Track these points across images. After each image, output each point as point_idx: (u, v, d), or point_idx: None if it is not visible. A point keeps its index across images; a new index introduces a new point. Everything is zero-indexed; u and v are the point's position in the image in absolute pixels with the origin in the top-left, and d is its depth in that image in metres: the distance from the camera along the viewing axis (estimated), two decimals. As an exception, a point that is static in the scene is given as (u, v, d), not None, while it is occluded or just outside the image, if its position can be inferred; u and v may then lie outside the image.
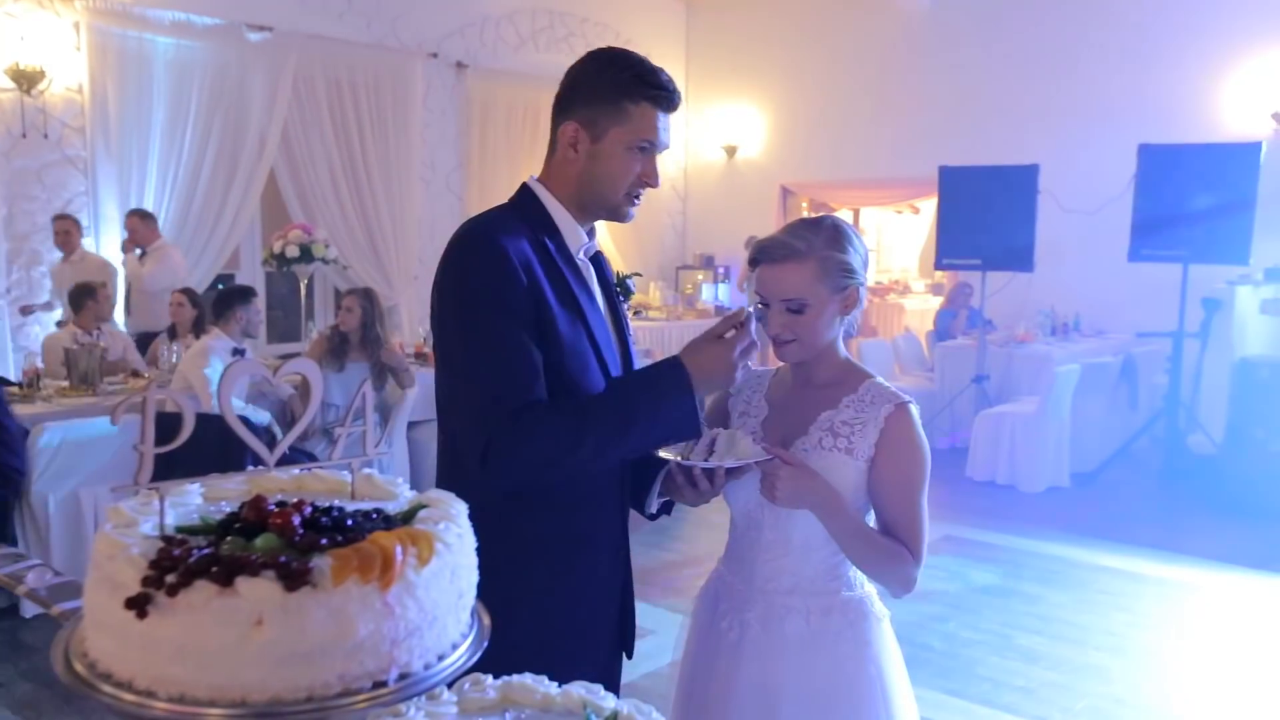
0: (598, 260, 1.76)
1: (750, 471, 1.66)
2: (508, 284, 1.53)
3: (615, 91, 1.61)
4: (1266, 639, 4.23)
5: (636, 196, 1.68)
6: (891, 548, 1.68)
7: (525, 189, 1.71)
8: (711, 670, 1.80)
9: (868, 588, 1.77)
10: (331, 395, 5.16)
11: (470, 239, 1.59)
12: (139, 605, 0.83)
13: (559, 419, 1.51)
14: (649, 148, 1.64)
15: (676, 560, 5.03)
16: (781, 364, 1.85)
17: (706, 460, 1.61)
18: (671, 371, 1.56)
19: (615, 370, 1.68)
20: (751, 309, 1.60)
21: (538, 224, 1.64)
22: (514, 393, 1.50)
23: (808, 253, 1.67)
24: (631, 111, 1.61)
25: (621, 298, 1.89)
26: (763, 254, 1.71)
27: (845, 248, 1.70)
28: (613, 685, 1.81)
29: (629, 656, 1.84)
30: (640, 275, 9.26)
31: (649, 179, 1.66)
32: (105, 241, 6.68)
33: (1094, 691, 3.69)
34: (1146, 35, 7.99)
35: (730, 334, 1.57)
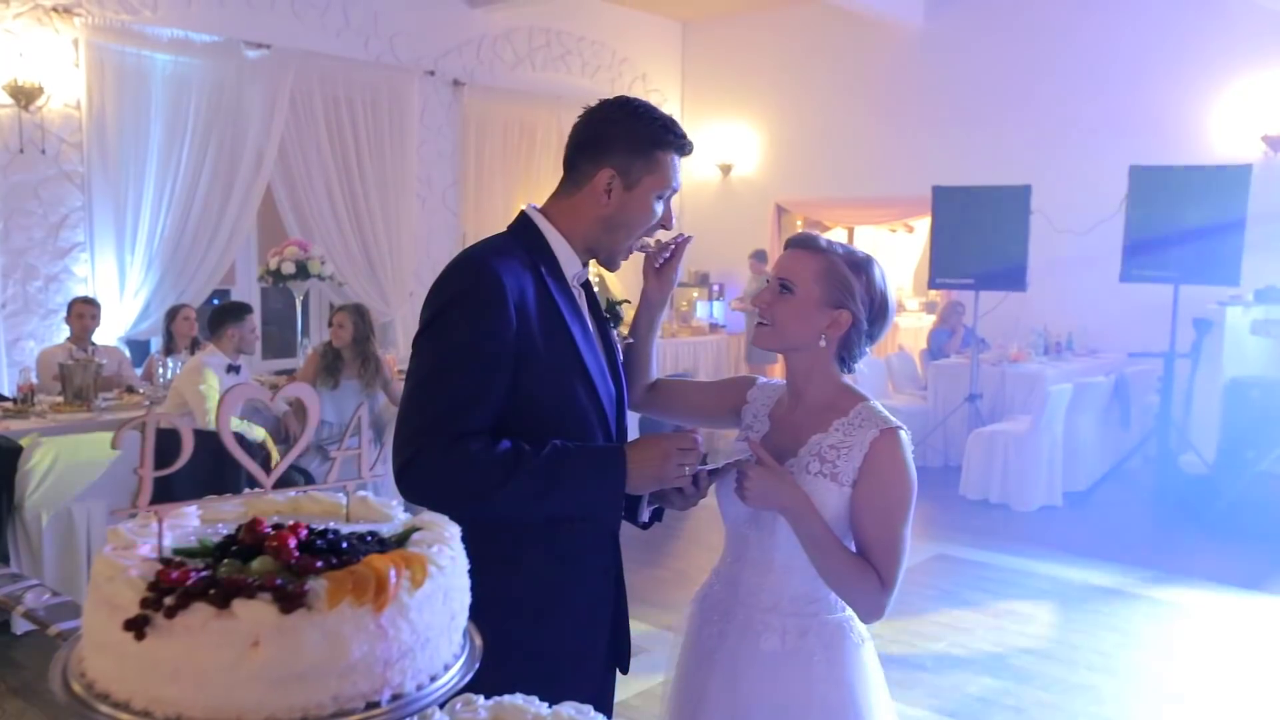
0: (586, 287, 1.83)
1: (732, 473, 1.71)
2: (491, 318, 1.57)
3: (648, 141, 1.70)
4: (1257, 659, 4.24)
5: (635, 248, 1.79)
6: (861, 567, 1.67)
7: (524, 217, 1.76)
8: (693, 678, 1.83)
9: (849, 610, 1.77)
10: (324, 413, 5.17)
11: (469, 266, 1.64)
12: (137, 627, 0.84)
13: (487, 460, 1.54)
14: (671, 194, 1.76)
15: (670, 578, 5.04)
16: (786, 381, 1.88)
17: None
18: (611, 457, 1.62)
19: (606, 395, 1.72)
20: (698, 432, 1.68)
21: (536, 252, 1.70)
22: (455, 422, 1.54)
23: (825, 252, 1.75)
24: (661, 160, 1.71)
25: (611, 323, 1.95)
26: (791, 239, 1.82)
27: (858, 273, 1.74)
28: (607, 701, 1.83)
29: (624, 672, 1.86)
30: (629, 302, 9.45)
31: (667, 222, 1.78)
32: (100, 260, 6.69)
33: (1085, 711, 3.70)
34: (1138, 57, 8.07)
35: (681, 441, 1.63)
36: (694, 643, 1.86)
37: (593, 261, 1.80)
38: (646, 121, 1.71)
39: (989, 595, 4.92)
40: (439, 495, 1.52)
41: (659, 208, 1.74)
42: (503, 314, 1.57)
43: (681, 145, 1.74)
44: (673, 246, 1.88)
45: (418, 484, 1.53)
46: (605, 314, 1.87)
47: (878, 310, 1.77)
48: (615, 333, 1.90)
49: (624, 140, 1.70)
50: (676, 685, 1.89)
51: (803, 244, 1.79)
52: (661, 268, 1.89)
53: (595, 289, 1.89)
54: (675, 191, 1.77)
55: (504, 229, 1.78)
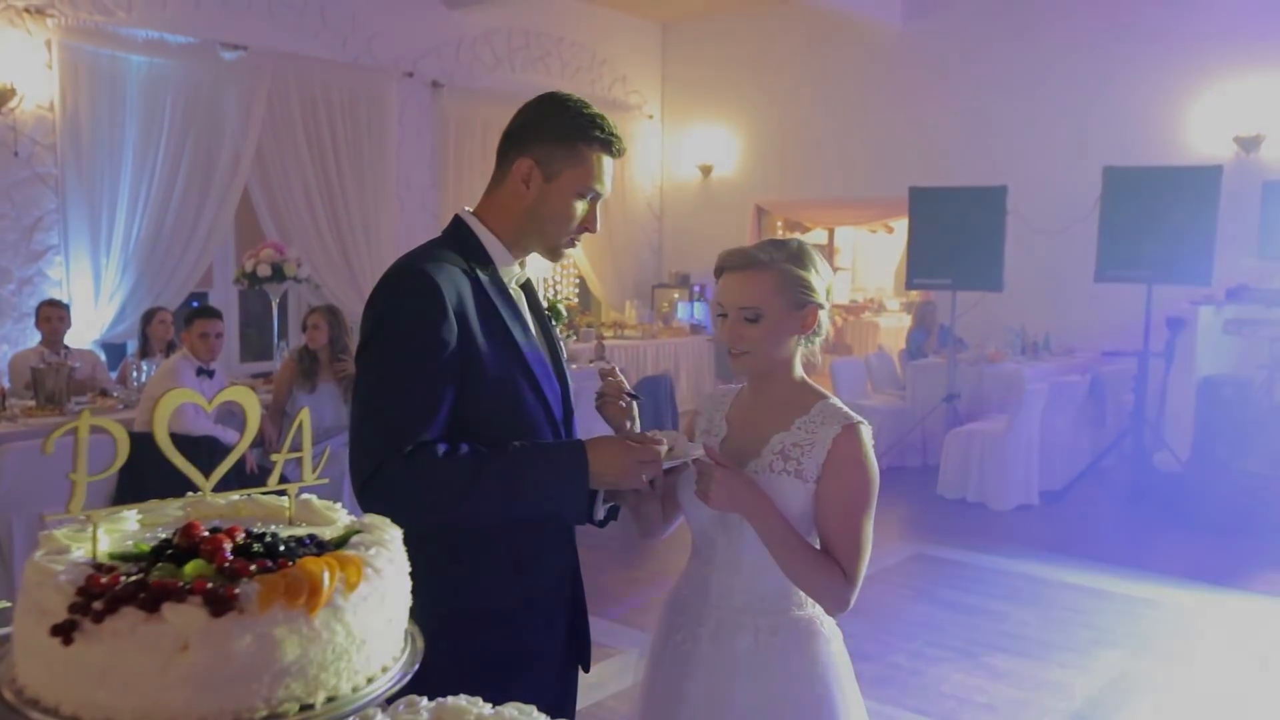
0: (527, 287, 1.82)
1: (688, 472, 1.71)
2: (432, 324, 1.56)
3: (572, 133, 1.67)
4: (1228, 654, 4.28)
5: (574, 241, 1.74)
6: (823, 562, 1.68)
7: (458, 221, 1.75)
8: (666, 681, 1.83)
9: (818, 606, 1.78)
10: (302, 415, 5.14)
11: (403, 276, 1.62)
12: (64, 631, 0.84)
13: (450, 469, 1.53)
14: (595, 195, 1.71)
15: (645, 578, 5.04)
16: (742, 384, 1.88)
17: None
18: (572, 456, 1.59)
19: (552, 394, 1.72)
20: (664, 439, 1.64)
21: (471, 256, 1.68)
22: (411, 430, 1.53)
23: (769, 264, 1.71)
24: (586, 155, 1.67)
25: (553, 322, 1.93)
26: (727, 262, 1.76)
27: (807, 266, 1.73)
28: (569, 701, 1.83)
29: (585, 671, 1.86)
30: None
31: (590, 225, 1.73)
32: (75, 262, 6.65)
33: (1058, 708, 3.73)
34: (1112, 60, 8.13)
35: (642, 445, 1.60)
36: (664, 647, 1.85)
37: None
38: (573, 114, 1.68)
39: (964, 593, 4.95)
40: (404, 508, 1.49)
41: (580, 207, 1.70)
42: (443, 320, 1.56)
43: (609, 143, 1.69)
44: (625, 398, 1.81)
45: (381, 499, 1.51)
46: (547, 313, 1.85)
47: (829, 283, 1.78)
48: (557, 332, 1.89)
49: (547, 130, 1.67)
50: (647, 690, 1.87)
51: (747, 264, 1.73)
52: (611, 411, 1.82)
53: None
54: (600, 196, 1.72)
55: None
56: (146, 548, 0.97)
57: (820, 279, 1.75)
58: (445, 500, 1.52)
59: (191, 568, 0.92)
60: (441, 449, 1.54)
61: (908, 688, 3.85)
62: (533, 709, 1.11)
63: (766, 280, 1.71)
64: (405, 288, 1.60)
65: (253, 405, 1.08)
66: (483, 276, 1.67)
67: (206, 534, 0.96)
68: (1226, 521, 5.87)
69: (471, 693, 1.18)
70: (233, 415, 5.19)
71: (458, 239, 1.71)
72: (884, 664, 4.02)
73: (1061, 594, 4.97)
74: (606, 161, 1.70)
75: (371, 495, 1.52)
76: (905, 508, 6.52)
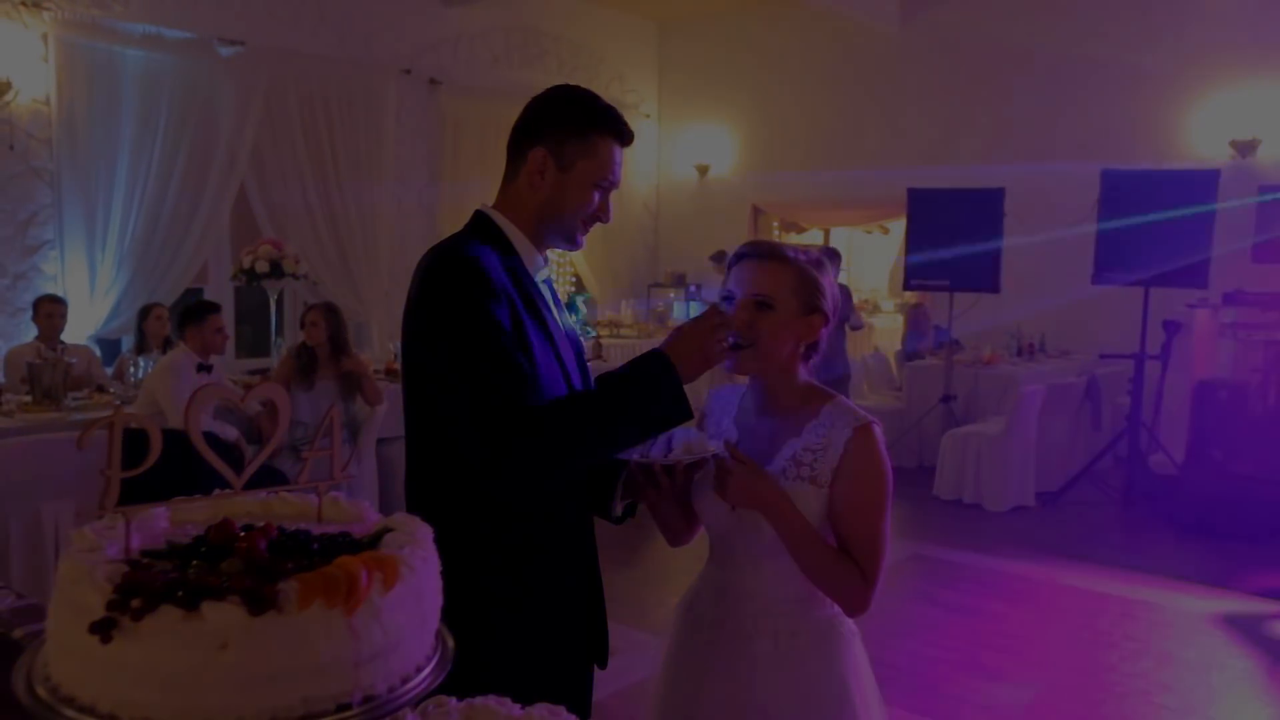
0: (547, 282, 1.82)
1: (702, 476, 1.71)
2: (491, 299, 1.57)
3: (584, 124, 1.68)
4: (1224, 655, 4.30)
5: (589, 228, 1.76)
6: (842, 561, 1.68)
7: (481, 216, 1.75)
8: (684, 684, 1.82)
9: (838, 606, 1.78)
10: (300, 413, 5.13)
11: (449, 259, 1.62)
12: (103, 630, 0.83)
13: (562, 418, 1.56)
14: (609, 185, 1.72)
15: (644, 578, 5.04)
16: (744, 386, 1.87)
17: (665, 457, 1.64)
18: (655, 360, 1.61)
19: (579, 383, 1.73)
20: (719, 302, 1.67)
21: (500, 248, 1.69)
22: (516, 398, 1.54)
23: (791, 261, 1.73)
24: (598, 145, 1.69)
25: (574, 317, 1.94)
26: (749, 249, 1.77)
27: (823, 273, 1.75)
28: (586, 696, 1.83)
29: (603, 667, 1.86)
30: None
31: (604, 215, 1.74)
32: (71, 257, 6.61)
33: (1056, 708, 3.74)
34: (1110, 63, 8.15)
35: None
36: (682, 650, 1.84)
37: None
38: (584, 105, 1.71)
39: (962, 594, 4.96)
40: (535, 471, 1.55)
41: (595, 196, 1.72)
42: (496, 303, 1.58)
43: (620, 131, 1.71)
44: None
45: (515, 470, 1.54)
46: (567, 307, 1.88)
47: (837, 301, 1.80)
48: (576, 327, 1.91)
49: (559, 121, 1.69)
50: (665, 692, 1.86)
51: (772, 255, 1.74)
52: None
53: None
54: (614, 185, 1.74)
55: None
56: (180, 545, 0.97)
57: (831, 293, 1.77)
58: (572, 445, 1.55)
59: (228, 566, 0.91)
60: (543, 407, 1.56)
61: (907, 688, 3.86)
62: (562, 709, 1.11)
63: (789, 275, 1.73)
64: (453, 271, 1.60)
65: (284, 402, 1.07)
66: (516, 268, 1.68)
67: (241, 531, 0.96)
68: (1221, 524, 5.89)
69: (491, 688, 1.17)
70: (229, 411, 5.16)
71: (484, 234, 1.71)
72: (882, 665, 3.98)
73: (1058, 595, 4.99)
74: (618, 151, 1.72)
75: (505, 471, 1.54)
76: (902, 508, 6.52)
